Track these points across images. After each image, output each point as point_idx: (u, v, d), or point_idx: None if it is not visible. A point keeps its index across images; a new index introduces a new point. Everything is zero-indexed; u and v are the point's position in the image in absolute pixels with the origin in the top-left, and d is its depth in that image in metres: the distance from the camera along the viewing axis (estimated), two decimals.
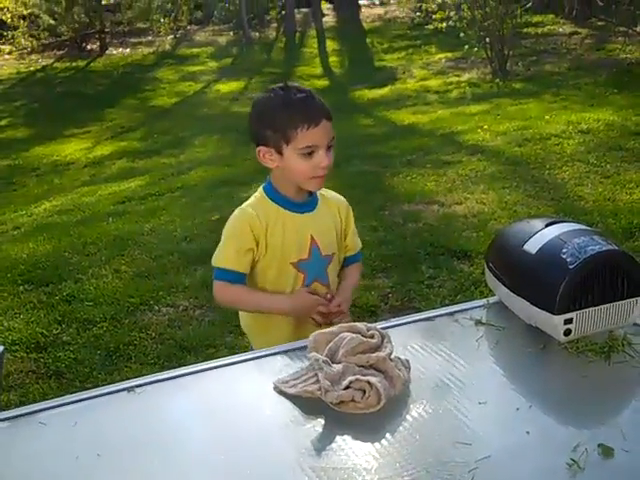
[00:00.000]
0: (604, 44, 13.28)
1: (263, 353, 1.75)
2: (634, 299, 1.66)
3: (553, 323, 1.63)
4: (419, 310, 4.08)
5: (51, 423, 1.52)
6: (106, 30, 20.73)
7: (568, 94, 9.85)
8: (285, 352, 1.73)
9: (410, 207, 5.74)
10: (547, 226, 1.76)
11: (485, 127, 8.13)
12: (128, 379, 3.13)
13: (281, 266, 2.14)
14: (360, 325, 1.62)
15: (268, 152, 2.10)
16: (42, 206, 8.87)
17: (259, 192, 2.19)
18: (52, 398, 3.34)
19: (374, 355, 1.54)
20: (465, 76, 12.27)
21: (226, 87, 16.07)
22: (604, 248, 1.65)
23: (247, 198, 6.37)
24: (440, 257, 4.69)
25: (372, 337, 1.59)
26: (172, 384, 1.65)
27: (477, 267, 4.47)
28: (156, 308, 4.34)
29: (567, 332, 1.62)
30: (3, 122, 15.93)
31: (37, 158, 12.86)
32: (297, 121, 2.02)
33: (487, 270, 1.89)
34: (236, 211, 2.16)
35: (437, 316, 1.82)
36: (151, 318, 4.24)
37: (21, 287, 4.72)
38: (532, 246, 1.72)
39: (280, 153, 2.07)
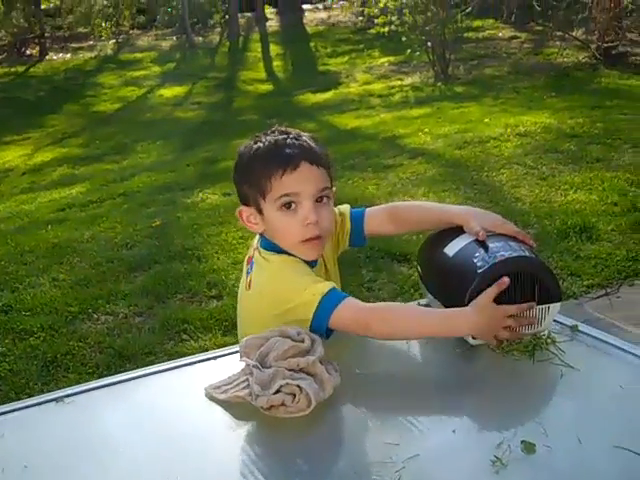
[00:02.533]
0: (542, 48, 13.53)
1: (195, 359, 1.75)
2: (545, 306, 1.65)
3: None
4: None
5: None
6: (46, 35, 20.44)
7: (507, 97, 10.01)
8: (216, 358, 1.72)
9: None
10: None
11: (426, 130, 8.22)
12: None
13: None
14: (290, 329, 1.63)
15: (250, 214, 1.77)
16: None
17: (262, 253, 1.80)
18: None
19: (304, 359, 1.54)
20: (408, 80, 12.39)
21: (169, 92, 15.98)
22: (514, 254, 1.64)
23: (189, 204, 6.31)
24: (380, 260, 4.73)
25: (302, 341, 1.60)
26: (102, 393, 1.63)
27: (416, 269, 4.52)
28: (95, 317, 4.30)
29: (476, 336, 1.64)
30: None
31: None
32: (271, 167, 1.69)
33: (417, 271, 1.92)
34: (279, 258, 1.76)
35: None
36: (90, 327, 4.19)
37: None
38: (451, 249, 1.73)
39: (260, 212, 1.74)
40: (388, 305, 1.76)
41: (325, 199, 1.72)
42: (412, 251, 4.77)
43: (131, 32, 21.43)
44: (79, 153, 12.71)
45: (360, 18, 18.33)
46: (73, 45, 20.79)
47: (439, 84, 11.59)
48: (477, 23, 16.18)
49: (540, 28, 14.80)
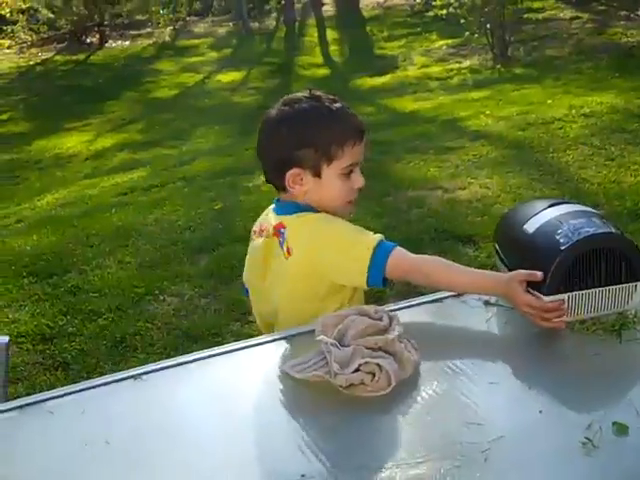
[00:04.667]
0: (605, 28, 13.21)
1: (269, 338, 1.74)
2: (633, 284, 1.61)
3: None
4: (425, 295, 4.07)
5: (59, 412, 1.51)
6: (105, 23, 20.69)
7: (570, 79, 9.80)
8: (292, 336, 1.71)
9: (414, 193, 5.71)
10: (550, 207, 1.73)
11: (487, 113, 8.09)
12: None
13: None
14: (368, 308, 1.61)
15: (299, 176, 1.81)
16: (45, 199, 8.87)
17: (293, 217, 1.85)
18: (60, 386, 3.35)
19: (383, 337, 1.52)
20: (466, 63, 12.22)
21: (226, 77, 16.04)
22: (599, 230, 1.61)
23: (250, 188, 6.35)
24: (445, 242, 4.67)
25: (380, 319, 1.57)
26: (178, 371, 1.64)
27: (482, 251, 4.45)
28: (161, 298, 4.33)
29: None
30: (4, 116, 15.91)
31: (39, 152, 12.87)
32: (346, 136, 1.78)
33: (494, 251, 1.87)
34: (320, 215, 1.83)
35: (445, 298, 1.80)
36: (156, 308, 4.22)
37: (25, 279, 4.70)
38: (531, 226, 1.69)
39: (318, 175, 1.81)
40: (434, 257, 1.82)
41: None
42: (478, 232, 4.71)
43: (188, 19, 21.54)
44: (139, 138, 12.86)
45: (417, 1, 18.13)
46: (132, 32, 21.00)
47: (498, 66, 11.40)
48: (537, 4, 15.88)
49: (603, 8, 14.46)
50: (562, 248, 1.58)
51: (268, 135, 1.85)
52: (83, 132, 13.79)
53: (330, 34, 17.88)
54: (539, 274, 1.58)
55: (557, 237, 1.60)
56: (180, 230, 5.41)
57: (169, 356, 3.65)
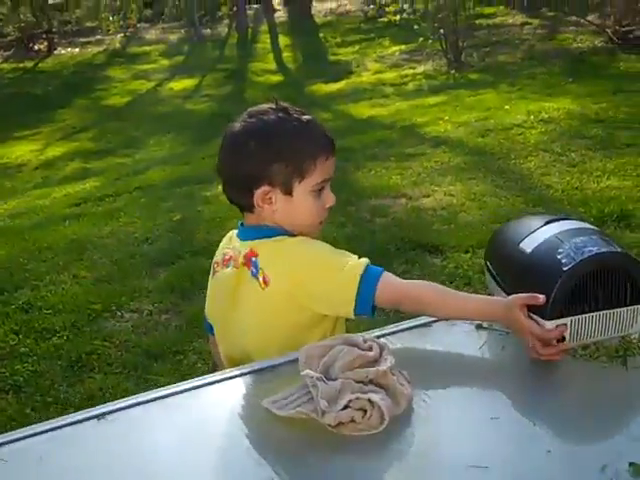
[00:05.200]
0: (555, 34, 13.31)
1: (247, 370, 1.60)
2: (638, 307, 1.50)
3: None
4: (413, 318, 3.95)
5: (13, 459, 1.35)
6: (54, 30, 20.30)
7: (524, 84, 9.81)
8: (273, 367, 1.57)
9: (377, 201, 5.61)
10: (547, 224, 1.62)
11: (446, 118, 8.04)
12: (91, 390, 2.96)
13: None
14: (355, 336, 1.48)
15: (268, 194, 1.67)
16: None
17: (266, 242, 1.70)
18: (10, 414, 3.17)
19: (374, 369, 1.39)
20: (420, 68, 12.19)
21: (179, 85, 15.82)
22: (603, 249, 1.50)
23: (208, 197, 6.17)
24: (411, 252, 4.57)
25: (370, 349, 1.45)
26: (147, 408, 1.48)
27: (450, 261, 4.37)
28: (119, 314, 4.15)
29: (561, 340, 1.49)
30: None
31: None
32: (319, 150, 1.66)
33: (485, 269, 1.76)
34: (298, 239, 1.69)
35: (434, 321, 1.67)
36: (114, 325, 4.04)
37: None
38: (528, 245, 1.58)
39: (289, 193, 1.67)
40: (425, 282, 1.67)
41: None
42: (445, 242, 4.63)
43: (138, 25, 21.23)
44: (91, 147, 12.59)
45: (371, 7, 18.11)
46: (81, 39, 20.64)
47: (453, 72, 11.39)
48: (488, 10, 15.96)
49: (552, 14, 14.57)
50: (565, 269, 1.47)
51: (233, 150, 1.69)
52: (32, 141, 13.47)
53: (283, 40, 17.77)
54: (541, 297, 1.46)
55: (558, 257, 1.49)
56: (137, 242, 5.22)
57: (128, 375, 3.50)
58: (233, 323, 1.77)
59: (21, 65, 19.13)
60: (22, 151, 12.84)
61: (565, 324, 1.47)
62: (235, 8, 19.51)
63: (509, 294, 1.57)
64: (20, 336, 3.95)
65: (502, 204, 5.21)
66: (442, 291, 1.63)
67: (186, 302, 4.22)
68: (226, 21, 20.58)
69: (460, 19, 11.76)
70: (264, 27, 19.43)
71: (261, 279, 1.66)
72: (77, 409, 3.19)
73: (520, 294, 1.50)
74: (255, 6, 20.87)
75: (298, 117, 1.68)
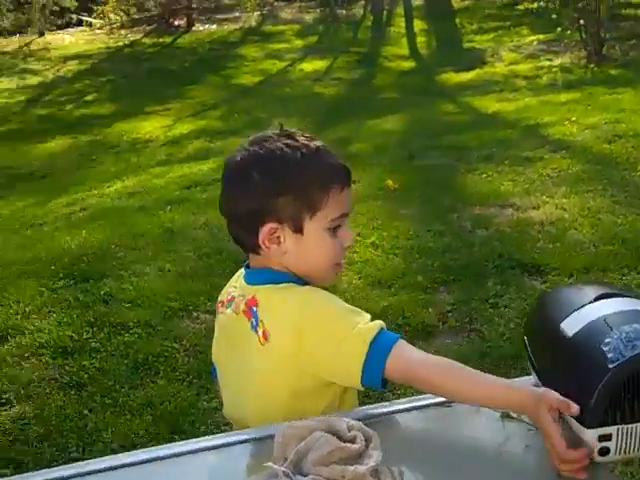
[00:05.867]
0: None
1: (232, 438, 1.39)
2: None
3: (585, 437, 1.21)
4: (480, 333, 3.68)
5: None
6: (193, 6, 20.65)
7: None
8: (258, 440, 1.35)
9: (482, 210, 5.26)
10: (597, 299, 1.33)
11: (573, 119, 7.54)
12: (151, 396, 2.82)
13: None
14: (339, 421, 1.24)
15: (276, 232, 1.45)
16: (114, 186, 8.77)
17: (287, 285, 1.47)
18: (68, 414, 3.10)
19: (351, 468, 1.16)
20: (557, 60, 11.59)
21: (310, 66, 15.74)
22: None
23: None
24: (509, 271, 4.24)
25: (353, 440, 1.21)
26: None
27: (550, 284, 4.02)
28: (194, 315, 4.03)
29: (604, 451, 1.20)
30: (89, 97, 16.00)
31: (118, 135, 12.84)
32: (331, 180, 1.45)
33: (523, 344, 1.49)
34: (305, 289, 1.47)
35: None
36: (188, 326, 3.93)
37: (61, 282, 4.49)
38: (570, 326, 1.29)
39: (299, 231, 1.46)
40: (444, 360, 1.40)
41: None
42: (547, 262, 4.28)
43: (275, 4, 21.33)
44: (217, 126, 12.70)
45: None
46: (219, 16, 20.92)
47: (591, 66, 10.75)
48: None
49: None
50: (611, 365, 1.19)
51: (235, 182, 1.48)
52: (163, 116, 13.71)
53: (418, 25, 17.38)
54: (575, 408, 1.19)
55: (604, 348, 1.21)
56: (228, 237, 5.07)
57: (190, 384, 3.37)
58: (231, 377, 1.57)
59: (160, 40, 19.54)
60: (152, 126, 13.08)
61: (609, 434, 1.19)
62: None
63: (543, 382, 1.30)
64: (94, 329, 3.90)
65: (619, 222, 4.77)
66: (463, 374, 1.35)
67: None
68: (362, 2, 20.33)
69: (603, 8, 11.04)
70: (400, 10, 19.08)
71: (260, 333, 1.45)
72: (133, 415, 3.12)
73: (552, 393, 1.22)
74: None
75: (306, 143, 1.46)
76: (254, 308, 1.47)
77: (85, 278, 4.52)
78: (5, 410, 3.31)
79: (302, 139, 1.47)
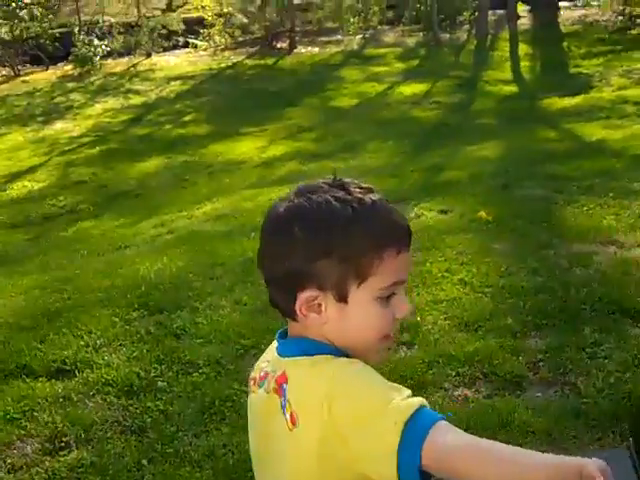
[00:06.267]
0: None
1: None
2: None
3: None
4: (575, 387, 3.34)
5: None
6: (296, 29, 20.76)
7: None
8: None
9: (580, 247, 4.88)
10: None
11: None
12: (214, 445, 2.61)
13: None
14: None
15: (316, 300, 1.23)
16: (204, 208, 8.76)
17: (321, 357, 1.23)
18: (127, 463, 2.92)
19: None
20: None
21: (409, 89, 15.54)
22: None
23: None
24: (609, 317, 3.87)
25: None
26: None
27: None
28: None
29: None
30: (187, 117, 16.20)
31: (212, 155, 12.94)
32: (387, 242, 1.22)
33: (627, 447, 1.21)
34: (341, 361, 1.22)
35: None
36: None
37: (135, 313, 4.36)
38: None
39: (343, 300, 1.23)
40: (493, 444, 1.12)
41: None
42: None
43: (379, 27, 21.22)
44: (311, 149, 12.62)
45: (620, 18, 16.80)
46: (321, 39, 20.93)
47: None
48: None
49: None
50: None
51: (274, 238, 1.26)
52: (258, 137, 13.74)
53: (523, 49, 16.95)
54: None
55: None
56: None
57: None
58: (265, 469, 1.34)
59: (262, 62, 19.68)
60: (246, 147, 13.11)
61: None
62: (477, 13, 18.89)
63: None
64: (163, 367, 3.73)
65: None
66: (502, 463, 1.10)
67: None
68: (466, 26, 19.99)
69: None
70: (505, 34, 18.66)
71: (288, 415, 1.22)
72: (193, 467, 2.92)
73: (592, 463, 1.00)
74: (499, 12, 20.09)
75: (360, 197, 1.23)
76: (284, 385, 1.25)
77: (159, 309, 4.37)
78: (63, 455, 3.16)
79: (357, 191, 1.24)
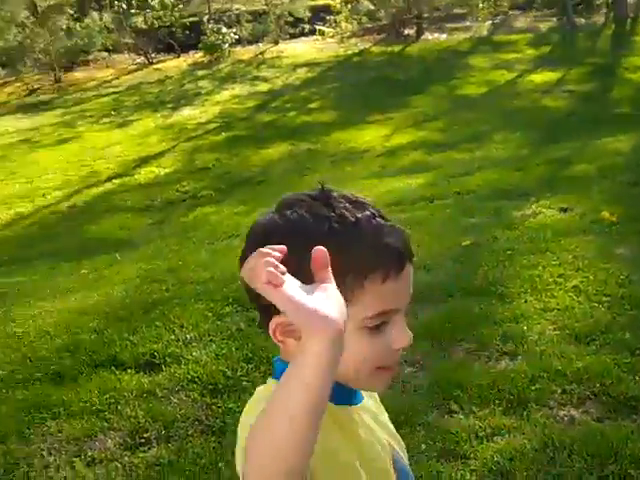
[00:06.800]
0: None
1: None
2: None
3: None
4: None
5: None
6: (424, 15, 20.38)
7: None
8: None
9: None
10: None
11: None
12: None
13: None
14: None
15: (293, 325, 1.00)
16: None
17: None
18: (204, 464, 2.80)
19: None
20: None
21: (540, 77, 14.96)
22: None
23: (516, 219, 5.41)
24: None
25: None
26: None
27: None
28: None
29: None
30: (313, 105, 16.17)
31: (335, 143, 12.84)
32: (371, 264, 1.06)
33: None
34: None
35: None
36: None
37: (228, 308, 4.23)
38: None
39: None
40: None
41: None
42: None
43: (509, 13, 20.56)
44: (436, 138, 12.33)
45: None
46: (449, 25, 20.48)
47: None
48: None
49: None
50: None
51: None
52: (383, 126, 13.55)
53: None
54: None
55: None
56: (415, 268, 4.61)
57: None
58: None
59: (389, 49, 19.43)
60: (370, 136, 12.93)
61: None
62: None
63: None
64: (250, 366, 3.57)
65: None
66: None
67: (438, 354, 3.57)
68: (603, 10, 19.06)
69: None
70: None
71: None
72: None
73: None
74: None
75: (342, 213, 1.06)
76: None
77: (253, 305, 4.23)
78: (143, 451, 3.07)
79: (342, 206, 1.07)
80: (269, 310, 1.05)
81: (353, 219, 1.06)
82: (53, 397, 3.34)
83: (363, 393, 1.18)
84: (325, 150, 12.60)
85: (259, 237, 1.06)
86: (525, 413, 3.04)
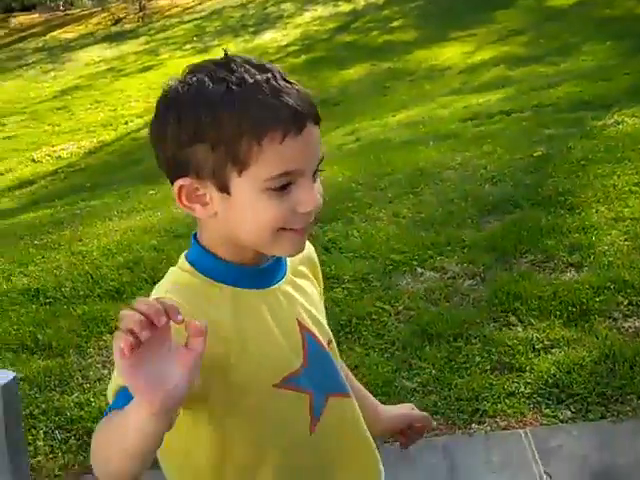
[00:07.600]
0: None
1: None
2: None
3: None
4: None
5: None
6: None
7: None
8: None
9: None
10: None
11: None
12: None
13: (260, 397, 1.10)
14: None
15: (198, 190, 1.09)
16: (398, 116, 8.50)
17: (180, 265, 1.15)
18: None
19: None
20: None
21: None
22: None
23: (595, 128, 5.17)
24: None
25: None
26: None
27: None
28: (418, 271, 3.49)
29: None
30: (395, 23, 15.81)
31: (416, 62, 12.59)
32: (267, 124, 1.04)
33: None
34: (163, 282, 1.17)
35: None
36: (407, 284, 3.40)
37: None
38: None
39: (224, 190, 1.08)
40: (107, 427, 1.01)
41: (317, 174, 1.11)
42: None
43: None
44: (520, 52, 11.92)
45: None
46: None
47: None
48: None
49: None
50: None
51: (153, 123, 1.13)
52: (465, 42, 13.18)
53: None
54: None
55: None
56: (481, 181, 4.45)
57: (391, 355, 2.90)
58: None
59: None
60: (452, 53, 12.59)
61: None
62: None
63: None
64: None
65: None
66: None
67: (500, 267, 3.44)
68: None
69: None
70: None
71: None
72: None
73: None
74: None
75: (242, 75, 1.06)
76: None
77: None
78: None
79: (242, 69, 1.06)
80: (173, 178, 1.09)
81: (252, 80, 1.05)
82: (111, 312, 3.36)
83: (300, 268, 1.23)
84: (405, 69, 12.35)
85: (161, 104, 1.11)
86: (587, 325, 2.90)
